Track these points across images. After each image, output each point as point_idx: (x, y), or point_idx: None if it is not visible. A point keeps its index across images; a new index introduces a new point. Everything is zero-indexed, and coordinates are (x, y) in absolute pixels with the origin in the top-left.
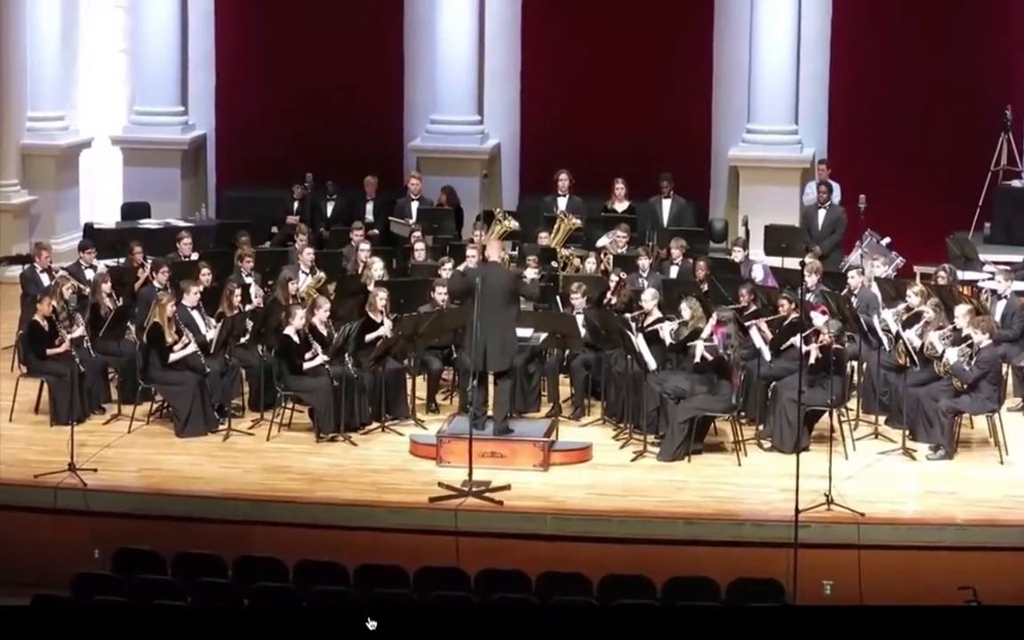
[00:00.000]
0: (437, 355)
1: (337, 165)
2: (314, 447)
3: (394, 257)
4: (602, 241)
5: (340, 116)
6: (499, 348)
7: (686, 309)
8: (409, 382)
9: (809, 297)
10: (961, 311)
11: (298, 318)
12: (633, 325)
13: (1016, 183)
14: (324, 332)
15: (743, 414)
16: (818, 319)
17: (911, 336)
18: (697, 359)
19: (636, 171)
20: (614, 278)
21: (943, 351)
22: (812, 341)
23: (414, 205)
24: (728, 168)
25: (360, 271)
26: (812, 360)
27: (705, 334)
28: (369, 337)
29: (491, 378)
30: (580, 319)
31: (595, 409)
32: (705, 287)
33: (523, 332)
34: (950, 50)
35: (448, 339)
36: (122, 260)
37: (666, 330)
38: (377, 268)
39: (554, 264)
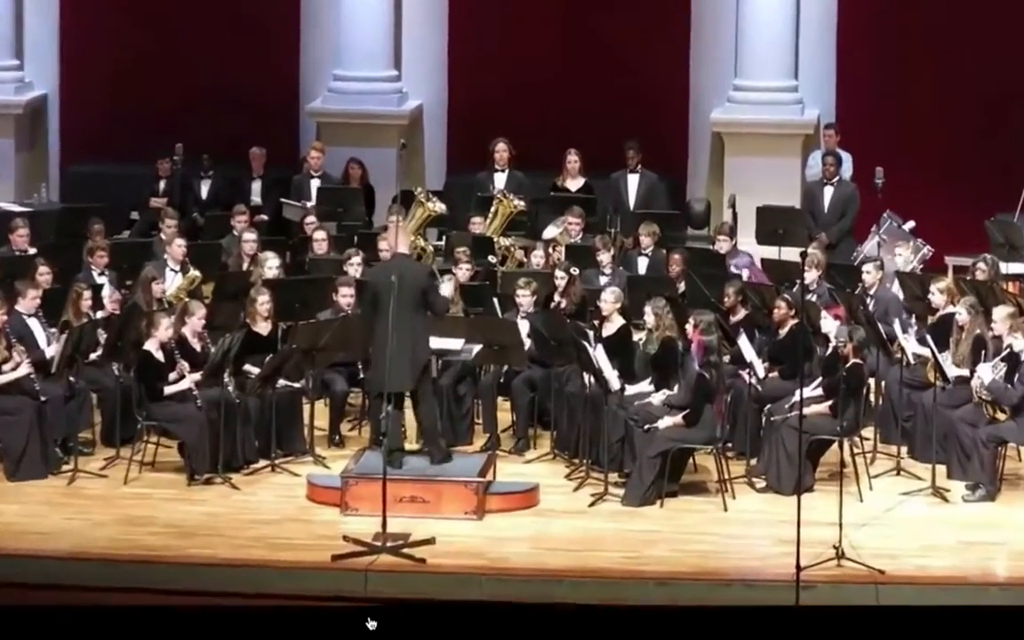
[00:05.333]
0: (341, 373)
1: (215, 133)
2: (184, 492)
3: (288, 249)
4: (549, 233)
5: (219, 73)
6: (409, 362)
7: (650, 314)
8: (306, 408)
9: (811, 298)
10: (1000, 314)
11: (164, 328)
12: (591, 334)
13: None
14: (197, 346)
15: (730, 446)
16: (828, 325)
17: (948, 366)
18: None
19: (594, 139)
20: (560, 275)
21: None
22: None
23: (313, 183)
24: (710, 135)
25: (245, 267)
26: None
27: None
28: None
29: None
30: (524, 326)
31: (543, 440)
32: (682, 285)
33: (450, 343)
34: None
35: (355, 353)
36: None
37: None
38: (271, 265)
39: (491, 258)
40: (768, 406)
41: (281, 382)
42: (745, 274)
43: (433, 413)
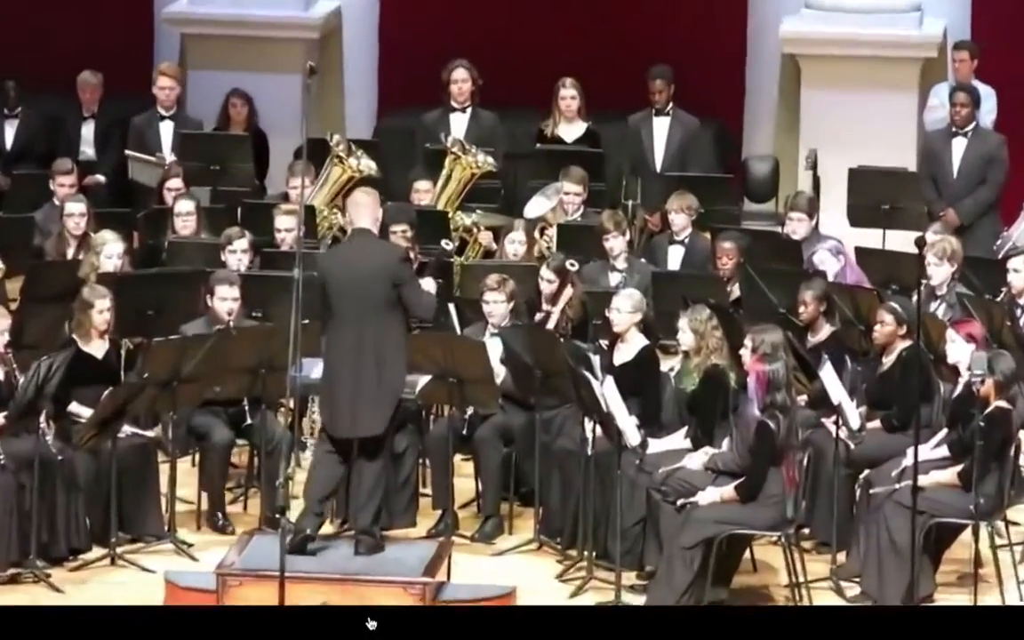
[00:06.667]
0: (219, 417)
1: (25, 53)
2: None
3: (136, 228)
4: (535, 209)
5: None
6: (377, 393)
7: (687, 330)
8: (164, 469)
9: (936, 309)
10: None
11: None
12: (597, 360)
13: None
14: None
15: (806, 532)
16: (958, 350)
17: None
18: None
19: (601, 66)
20: (546, 275)
21: None
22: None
23: (164, 128)
24: (779, 58)
25: (71, 255)
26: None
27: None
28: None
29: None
30: (495, 348)
31: (523, 521)
32: (735, 288)
33: None
34: None
35: (240, 388)
36: None
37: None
38: (111, 251)
39: (445, 243)
40: (866, 473)
41: (126, 430)
42: (832, 271)
43: (380, 477)
